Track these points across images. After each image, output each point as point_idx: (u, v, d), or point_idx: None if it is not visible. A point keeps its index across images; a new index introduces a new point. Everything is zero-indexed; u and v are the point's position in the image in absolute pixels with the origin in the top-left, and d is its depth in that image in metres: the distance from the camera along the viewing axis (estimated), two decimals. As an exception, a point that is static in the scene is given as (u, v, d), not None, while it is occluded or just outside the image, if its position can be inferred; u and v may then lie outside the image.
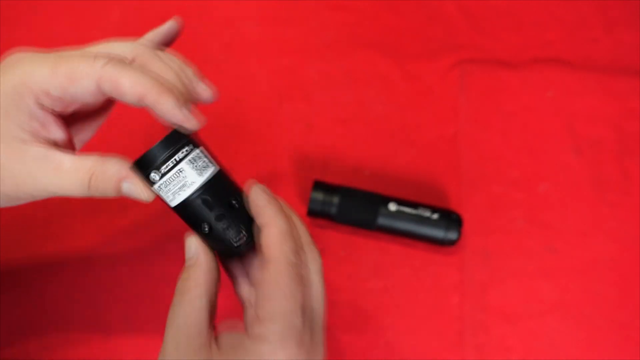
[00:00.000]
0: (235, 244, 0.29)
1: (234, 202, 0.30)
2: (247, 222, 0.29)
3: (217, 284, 0.29)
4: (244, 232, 0.29)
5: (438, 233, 0.45)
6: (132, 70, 0.27)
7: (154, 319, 0.46)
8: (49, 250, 0.48)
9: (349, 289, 0.47)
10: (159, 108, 0.28)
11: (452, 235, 0.45)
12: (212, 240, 0.30)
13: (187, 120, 0.29)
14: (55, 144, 0.28)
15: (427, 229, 0.45)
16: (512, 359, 0.46)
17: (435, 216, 0.45)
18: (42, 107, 0.28)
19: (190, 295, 0.28)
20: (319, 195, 0.46)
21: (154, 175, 0.28)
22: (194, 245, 0.29)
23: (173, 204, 0.29)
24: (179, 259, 0.48)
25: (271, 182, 0.50)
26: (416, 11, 0.55)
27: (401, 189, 0.50)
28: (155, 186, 0.28)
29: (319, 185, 0.47)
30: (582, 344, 0.46)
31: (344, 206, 0.46)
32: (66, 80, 0.27)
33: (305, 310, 0.27)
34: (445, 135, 0.51)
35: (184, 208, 0.29)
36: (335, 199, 0.46)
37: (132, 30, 0.54)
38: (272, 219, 0.28)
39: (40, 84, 0.27)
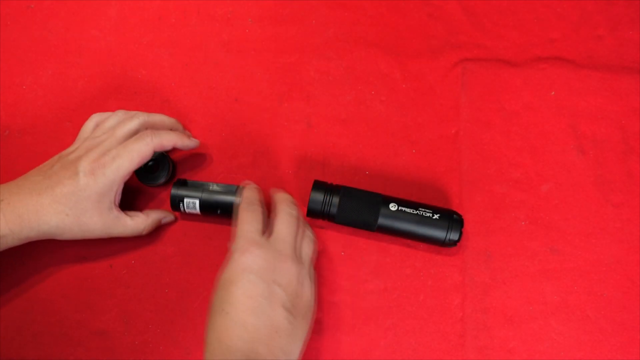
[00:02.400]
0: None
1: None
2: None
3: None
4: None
5: (439, 234, 0.44)
6: (165, 134, 0.46)
7: (153, 319, 0.46)
8: (48, 251, 0.48)
9: (349, 290, 0.47)
10: (182, 145, 0.47)
11: (453, 235, 0.44)
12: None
13: (195, 144, 0.49)
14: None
15: (428, 229, 0.44)
16: (514, 361, 0.45)
17: (436, 216, 0.45)
18: (118, 192, 0.45)
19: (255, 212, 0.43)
20: (319, 196, 0.45)
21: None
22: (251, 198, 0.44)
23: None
24: (178, 259, 0.48)
25: (271, 182, 0.50)
26: (417, 9, 0.55)
27: (402, 189, 0.49)
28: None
29: (318, 185, 0.46)
30: (585, 346, 0.45)
31: (344, 206, 0.45)
32: (140, 160, 0.44)
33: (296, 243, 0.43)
34: (447, 134, 0.51)
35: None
36: (335, 199, 0.45)
37: (130, 29, 0.54)
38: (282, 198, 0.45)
39: (128, 171, 0.44)
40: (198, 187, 0.47)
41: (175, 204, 0.47)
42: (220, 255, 0.48)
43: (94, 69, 0.53)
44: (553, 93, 0.52)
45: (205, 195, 0.46)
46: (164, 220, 0.48)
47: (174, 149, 0.48)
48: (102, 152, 0.43)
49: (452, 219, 0.45)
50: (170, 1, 0.55)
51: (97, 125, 0.47)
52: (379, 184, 0.49)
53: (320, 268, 0.47)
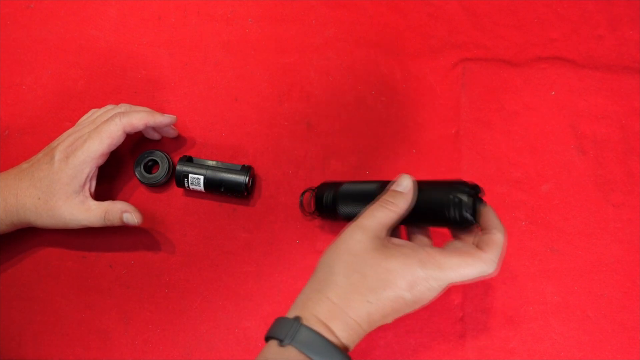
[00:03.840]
0: None
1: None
2: None
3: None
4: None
5: (441, 214, 0.37)
6: (134, 113, 0.46)
7: (153, 319, 0.46)
8: (48, 251, 0.48)
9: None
10: (154, 122, 0.46)
11: (463, 213, 0.36)
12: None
13: (171, 120, 0.48)
14: (88, 190, 0.45)
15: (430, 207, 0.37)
16: (514, 361, 0.45)
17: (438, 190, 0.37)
18: (97, 167, 0.45)
19: (391, 209, 0.37)
20: (320, 194, 0.45)
21: None
22: (409, 182, 0.38)
23: None
24: (178, 259, 0.48)
25: (271, 182, 0.50)
26: (417, 9, 0.55)
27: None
28: None
29: (321, 186, 0.46)
30: (585, 346, 0.45)
31: (344, 205, 0.43)
32: (111, 141, 0.44)
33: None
34: (447, 134, 0.51)
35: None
36: (333, 194, 0.43)
37: (130, 29, 0.54)
38: (501, 228, 0.37)
39: (99, 152, 0.44)
40: (203, 164, 0.48)
41: (180, 180, 0.47)
42: (220, 255, 0.48)
43: (94, 69, 0.53)
44: (553, 93, 0.52)
45: (210, 173, 0.47)
46: (126, 218, 0.45)
47: (166, 139, 0.50)
48: (76, 138, 0.44)
49: (455, 191, 0.36)
50: (170, 1, 0.55)
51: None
52: (379, 184, 0.49)
53: (320, 268, 0.47)
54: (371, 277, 0.34)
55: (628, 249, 0.48)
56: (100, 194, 0.48)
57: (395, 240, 0.37)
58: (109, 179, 0.50)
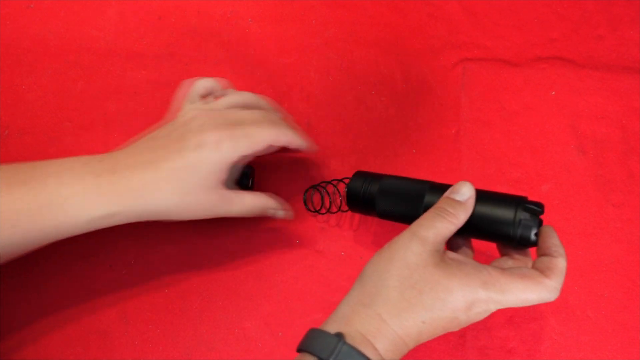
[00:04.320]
0: None
1: None
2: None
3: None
4: None
5: (505, 229, 0.34)
6: (285, 130, 0.41)
7: (153, 319, 0.46)
8: (47, 251, 0.48)
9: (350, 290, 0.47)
10: (296, 145, 0.43)
11: (525, 231, 0.34)
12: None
13: (312, 149, 0.46)
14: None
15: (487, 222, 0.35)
16: (514, 361, 0.45)
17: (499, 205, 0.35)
18: (231, 170, 0.40)
19: (451, 221, 0.34)
20: (358, 183, 0.41)
21: None
22: (470, 191, 0.35)
23: None
24: (178, 259, 0.48)
25: (271, 182, 0.50)
26: (417, 9, 0.55)
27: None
28: None
29: (357, 175, 0.42)
30: (585, 346, 0.45)
31: (384, 201, 0.39)
32: (256, 150, 0.40)
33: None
34: (447, 134, 0.51)
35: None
36: (374, 187, 0.40)
37: (130, 29, 0.54)
38: (563, 252, 0.35)
39: (237, 157, 0.39)
40: None
41: None
42: (220, 255, 0.48)
43: (94, 69, 0.53)
44: (553, 93, 0.52)
45: None
46: (270, 212, 0.43)
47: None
48: (214, 126, 0.39)
49: (519, 208, 0.34)
50: (170, 1, 0.55)
51: (207, 92, 0.43)
52: (379, 184, 0.49)
53: (320, 268, 0.47)
54: (428, 295, 0.32)
55: (628, 249, 0.48)
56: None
57: (452, 255, 0.35)
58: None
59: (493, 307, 0.33)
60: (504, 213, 0.34)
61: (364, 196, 0.40)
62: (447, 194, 0.36)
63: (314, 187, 0.48)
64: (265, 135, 0.39)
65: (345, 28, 0.54)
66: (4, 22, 0.54)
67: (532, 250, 0.38)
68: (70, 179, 0.37)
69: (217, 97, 0.44)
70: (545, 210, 0.49)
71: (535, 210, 0.34)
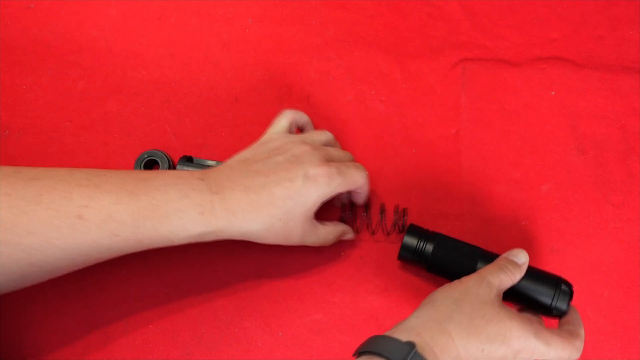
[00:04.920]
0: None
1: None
2: None
3: None
4: None
5: (544, 298, 0.40)
6: (365, 179, 0.43)
7: (153, 319, 0.46)
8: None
9: (349, 290, 0.47)
10: (364, 198, 0.46)
11: (560, 304, 0.40)
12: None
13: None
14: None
15: (531, 291, 0.41)
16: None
17: (540, 280, 0.41)
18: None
19: (510, 277, 0.39)
20: (412, 241, 0.43)
21: None
22: (526, 258, 0.40)
23: None
24: (178, 259, 0.48)
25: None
26: (417, 9, 0.55)
27: (402, 189, 0.49)
28: None
29: (413, 230, 0.44)
30: (585, 346, 0.45)
31: (439, 257, 0.42)
32: (348, 188, 0.42)
33: None
34: (447, 134, 0.51)
35: None
36: (429, 247, 0.43)
37: (130, 29, 0.54)
38: (582, 331, 0.39)
39: (336, 192, 0.41)
40: (203, 164, 0.47)
41: None
42: (220, 255, 0.48)
43: (94, 69, 0.53)
44: (553, 93, 0.52)
45: None
46: (347, 237, 0.46)
47: None
48: (323, 160, 0.41)
49: (559, 286, 0.40)
50: (170, 1, 0.55)
51: (296, 125, 0.46)
52: (379, 184, 0.49)
53: (320, 268, 0.47)
54: (493, 329, 0.35)
55: (628, 249, 0.48)
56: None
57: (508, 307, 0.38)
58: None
59: (535, 357, 0.36)
60: (547, 285, 0.41)
61: (418, 252, 0.43)
62: (506, 255, 0.41)
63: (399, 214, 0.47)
64: (361, 177, 0.42)
65: (345, 28, 0.54)
66: (4, 22, 0.54)
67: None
68: (176, 196, 0.38)
69: (297, 130, 0.47)
70: (545, 210, 0.49)
71: (569, 286, 0.41)
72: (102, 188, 0.36)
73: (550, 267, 0.47)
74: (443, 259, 0.42)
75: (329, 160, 0.41)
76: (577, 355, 0.38)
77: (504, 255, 0.41)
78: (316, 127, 0.51)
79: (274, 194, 0.39)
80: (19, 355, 0.46)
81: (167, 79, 0.53)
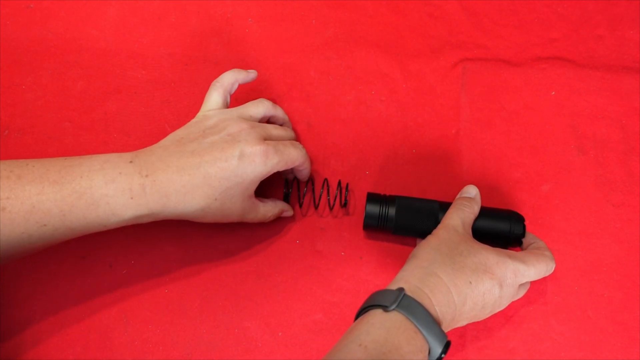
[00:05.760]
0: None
1: None
2: None
3: None
4: None
5: (503, 227, 0.44)
6: (308, 158, 0.45)
7: (153, 319, 0.46)
8: (47, 251, 0.48)
9: (349, 290, 0.47)
10: (306, 175, 0.47)
11: (517, 229, 0.44)
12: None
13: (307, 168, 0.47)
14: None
15: (490, 225, 0.44)
16: (514, 361, 0.45)
17: (494, 215, 0.44)
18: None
19: (469, 211, 0.43)
20: (375, 208, 0.44)
21: None
22: (476, 190, 0.44)
23: None
24: (177, 259, 0.48)
25: (271, 182, 0.50)
26: (417, 9, 0.55)
27: (402, 189, 0.49)
28: None
29: (373, 198, 0.45)
30: (585, 346, 0.45)
31: (402, 218, 0.44)
32: (289, 166, 0.42)
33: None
34: (447, 134, 0.51)
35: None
36: (392, 211, 0.44)
37: (130, 29, 0.54)
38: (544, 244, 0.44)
39: (274, 170, 0.41)
40: None
41: None
42: (220, 255, 0.48)
43: (94, 69, 0.53)
44: (553, 93, 0.52)
45: None
46: (285, 214, 0.47)
47: None
48: (262, 137, 0.41)
49: (512, 216, 0.44)
50: (170, 1, 0.55)
51: (226, 95, 0.45)
52: (380, 183, 0.49)
53: (320, 268, 0.47)
54: (472, 260, 0.38)
55: (628, 249, 0.48)
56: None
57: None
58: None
59: (520, 279, 0.39)
60: (503, 215, 0.44)
61: (382, 217, 0.44)
62: (459, 195, 0.44)
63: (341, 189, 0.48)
64: (299, 155, 0.43)
65: (345, 28, 0.54)
66: (4, 22, 0.54)
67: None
68: (101, 181, 0.37)
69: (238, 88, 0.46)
70: (545, 210, 0.49)
71: (522, 217, 0.45)
72: (25, 179, 0.36)
73: (551, 267, 0.47)
74: (406, 219, 0.44)
75: (266, 138, 0.41)
76: (553, 264, 0.41)
77: (457, 196, 0.44)
78: (316, 127, 0.51)
79: (209, 174, 0.38)
80: (19, 355, 0.46)
81: (167, 79, 0.53)
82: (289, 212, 0.48)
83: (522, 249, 0.44)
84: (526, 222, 0.45)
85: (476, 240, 0.41)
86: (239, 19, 0.54)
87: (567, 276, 0.47)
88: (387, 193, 0.47)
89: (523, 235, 0.44)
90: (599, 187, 0.49)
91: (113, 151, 0.50)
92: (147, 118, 0.51)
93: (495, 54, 0.53)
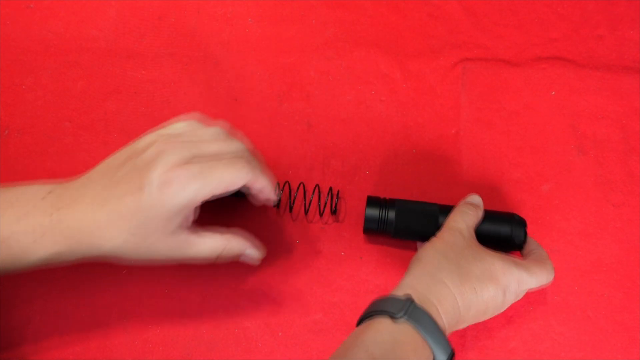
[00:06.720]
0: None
1: None
2: None
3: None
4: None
5: (504, 231, 0.43)
6: (262, 173, 0.38)
7: (153, 319, 0.46)
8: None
9: (350, 290, 0.47)
10: (267, 193, 0.40)
11: (518, 233, 0.43)
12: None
13: (275, 199, 0.42)
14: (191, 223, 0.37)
15: (491, 229, 0.43)
16: (514, 361, 0.45)
17: (495, 218, 0.44)
18: (195, 210, 0.37)
19: (473, 215, 0.42)
20: (374, 212, 0.44)
21: None
22: (479, 198, 0.44)
23: None
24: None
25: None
26: (417, 9, 0.55)
27: (402, 190, 0.49)
28: None
29: (373, 201, 0.45)
30: (585, 346, 0.45)
31: (402, 222, 0.44)
32: (227, 188, 0.36)
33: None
34: (447, 134, 0.51)
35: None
36: (391, 214, 0.44)
37: (130, 29, 0.54)
38: (546, 253, 0.43)
39: (208, 196, 0.35)
40: None
41: None
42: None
43: (94, 69, 0.53)
44: (553, 93, 0.52)
45: None
46: (247, 254, 0.40)
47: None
48: (181, 160, 0.34)
49: (514, 219, 0.44)
50: (170, 1, 0.55)
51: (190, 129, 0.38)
52: (379, 183, 0.49)
53: (320, 268, 0.47)
54: (478, 266, 0.38)
55: (628, 249, 0.48)
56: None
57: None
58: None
59: (519, 289, 0.39)
60: (504, 219, 0.44)
61: (382, 221, 0.44)
62: (462, 201, 0.44)
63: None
64: (234, 176, 0.36)
65: (345, 28, 0.54)
66: (4, 22, 0.54)
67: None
68: (12, 217, 0.33)
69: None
70: (546, 210, 0.49)
71: (523, 220, 0.44)
72: None
73: (551, 267, 0.47)
74: (406, 222, 0.44)
75: (195, 157, 0.35)
76: (553, 274, 0.41)
77: (460, 202, 0.43)
78: (316, 127, 0.51)
79: (122, 206, 0.34)
80: (19, 355, 0.46)
81: (167, 79, 0.53)
82: (253, 254, 0.40)
83: (522, 254, 0.44)
84: (527, 223, 0.45)
85: (481, 245, 0.40)
86: (239, 19, 0.54)
87: (567, 276, 0.47)
88: (387, 193, 0.47)
89: (524, 241, 0.43)
90: (599, 187, 0.49)
91: (113, 151, 0.50)
92: (147, 118, 0.51)
93: (495, 54, 0.53)
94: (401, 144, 0.51)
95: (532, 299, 0.46)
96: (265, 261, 0.48)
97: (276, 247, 0.48)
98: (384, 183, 0.49)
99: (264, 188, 0.39)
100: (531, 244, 0.44)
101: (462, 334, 0.46)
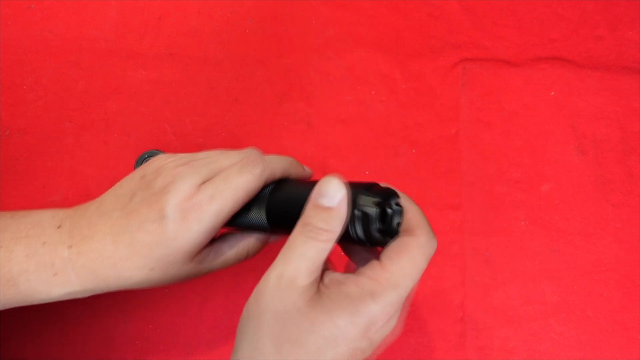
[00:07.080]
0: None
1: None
2: None
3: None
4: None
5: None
6: (276, 160, 0.34)
7: (153, 319, 0.46)
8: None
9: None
10: (295, 174, 0.36)
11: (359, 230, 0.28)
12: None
13: (309, 174, 0.37)
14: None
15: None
16: (514, 361, 0.45)
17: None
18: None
19: (323, 240, 0.27)
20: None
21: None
22: (340, 191, 0.27)
23: None
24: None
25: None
26: (417, 9, 0.55)
27: (402, 189, 0.49)
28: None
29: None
30: (585, 345, 0.45)
31: (274, 210, 0.34)
32: (248, 198, 0.33)
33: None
34: (447, 134, 0.51)
35: None
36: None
37: (130, 29, 0.54)
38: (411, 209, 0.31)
39: (231, 212, 0.32)
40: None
41: None
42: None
43: (94, 69, 0.53)
44: (553, 93, 0.52)
45: None
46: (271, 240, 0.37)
47: None
48: (194, 184, 0.31)
49: (354, 217, 0.27)
50: (170, 1, 0.55)
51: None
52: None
53: (320, 268, 0.47)
54: (311, 343, 0.26)
55: (628, 249, 0.48)
56: (98, 194, 0.48)
57: (328, 278, 0.29)
58: (108, 179, 0.50)
59: (393, 310, 0.27)
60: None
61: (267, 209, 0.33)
62: (312, 199, 0.28)
63: None
64: (257, 175, 0.32)
65: (345, 28, 0.54)
66: (4, 22, 0.54)
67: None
68: (22, 254, 0.31)
69: None
70: (546, 210, 0.49)
71: (376, 201, 0.27)
72: None
73: (551, 267, 0.47)
74: (278, 215, 0.33)
75: (206, 177, 0.32)
76: (431, 245, 0.29)
77: (310, 200, 0.28)
78: (316, 127, 0.51)
79: (137, 241, 0.30)
80: (19, 355, 0.46)
81: (167, 79, 0.53)
82: (273, 238, 0.37)
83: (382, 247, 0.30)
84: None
85: (320, 295, 0.27)
86: (239, 19, 0.54)
87: (567, 276, 0.47)
88: None
89: (381, 241, 0.29)
90: (599, 187, 0.49)
91: (113, 151, 0.50)
92: (147, 118, 0.52)
93: (495, 54, 0.53)
94: (401, 144, 0.51)
95: (532, 299, 0.46)
96: (266, 261, 0.48)
97: (276, 246, 0.48)
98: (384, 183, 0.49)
99: (288, 172, 0.34)
100: (409, 212, 0.30)
101: (462, 333, 0.46)
